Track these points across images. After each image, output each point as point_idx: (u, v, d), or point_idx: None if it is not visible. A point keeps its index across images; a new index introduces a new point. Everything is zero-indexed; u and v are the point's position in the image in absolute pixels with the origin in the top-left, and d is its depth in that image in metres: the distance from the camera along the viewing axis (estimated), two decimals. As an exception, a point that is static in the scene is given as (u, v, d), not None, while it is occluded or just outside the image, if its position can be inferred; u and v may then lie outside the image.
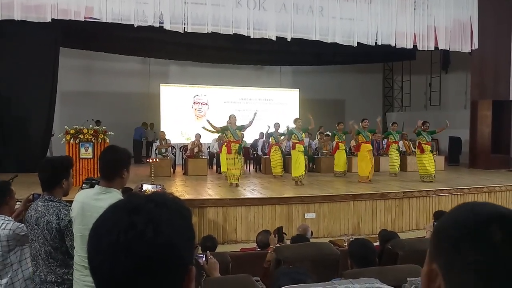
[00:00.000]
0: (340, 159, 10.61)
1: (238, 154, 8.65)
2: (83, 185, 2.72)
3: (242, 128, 8.92)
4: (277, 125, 11.10)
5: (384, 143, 12.21)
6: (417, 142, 9.87)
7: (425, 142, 9.56)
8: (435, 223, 0.75)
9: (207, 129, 9.50)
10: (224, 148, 9.44)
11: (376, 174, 10.29)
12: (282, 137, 10.68)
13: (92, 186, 2.58)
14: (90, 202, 2.35)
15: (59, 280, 2.54)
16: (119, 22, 9.00)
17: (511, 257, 0.63)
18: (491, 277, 0.62)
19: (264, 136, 12.38)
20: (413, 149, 11.12)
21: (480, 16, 11.75)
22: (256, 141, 12.81)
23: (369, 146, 9.73)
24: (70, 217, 2.50)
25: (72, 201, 2.52)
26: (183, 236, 0.75)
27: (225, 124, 9.04)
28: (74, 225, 2.47)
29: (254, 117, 8.91)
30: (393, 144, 10.92)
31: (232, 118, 8.87)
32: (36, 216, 2.56)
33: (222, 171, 10.45)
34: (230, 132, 8.74)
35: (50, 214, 2.53)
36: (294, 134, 9.23)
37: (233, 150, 8.61)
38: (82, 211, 2.38)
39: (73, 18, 8.75)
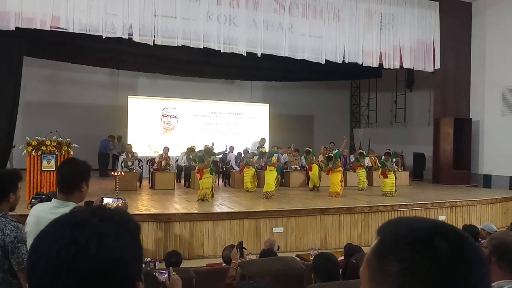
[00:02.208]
0: (314, 176, 10.80)
1: (210, 174, 8.71)
2: (32, 200, 2.61)
3: (214, 158, 9.11)
4: (246, 152, 11.28)
5: (351, 159, 12.46)
6: (380, 169, 10.24)
7: (387, 170, 9.92)
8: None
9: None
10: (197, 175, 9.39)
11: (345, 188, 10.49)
12: (256, 157, 10.70)
13: (41, 201, 2.48)
14: (46, 216, 2.25)
15: None
16: (87, 33, 8.85)
17: (461, 270, 0.64)
18: None
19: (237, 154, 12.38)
20: (378, 164, 11.42)
21: (442, 37, 12.28)
22: (226, 155, 12.76)
23: (340, 169, 10.04)
24: (16, 233, 2.39)
25: (19, 216, 2.39)
26: (130, 252, 0.72)
27: (200, 155, 9.05)
28: (28, 240, 2.36)
29: (223, 152, 9.21)
30: (359, 167, 11.27)
31: (207, 156, 8.84)
32: None
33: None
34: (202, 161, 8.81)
35: None
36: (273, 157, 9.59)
37: (205, 174, 8.60)
38: (38, 225, 2.28)
39: (38, 27, 8.53)
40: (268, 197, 8.97)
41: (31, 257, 0.71)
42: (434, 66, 12.26)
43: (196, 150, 10.14)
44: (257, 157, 10.46)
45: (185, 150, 11.75)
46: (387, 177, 9.84)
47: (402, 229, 0.69)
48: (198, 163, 8.72)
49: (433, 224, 0.70)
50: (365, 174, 11.29)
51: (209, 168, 8.65)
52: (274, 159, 9.81)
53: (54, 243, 0.69)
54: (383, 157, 10.21)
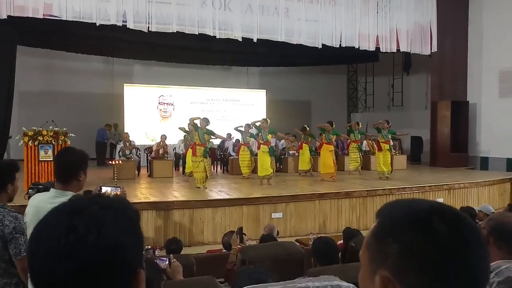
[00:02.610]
0: (304, 157, 10.76)
1: (204, 157, 8.59)
2: (29, 190, 2.60)
3: (211, 134, 8.87)
4: (247, 126, 11.05)
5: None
6: (374, 140, 10.21)
7: (383, 140, 9.89)
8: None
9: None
10: (189, 150, 9.33)
11: (340, 173, 10.51)
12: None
13: (38, 191, 2.47)
14: (45, 206, 2.25)
15: None
16: (80, 20, 8.73)
17: (460, 249, 0.64)
18: (447, 270, 0.63)
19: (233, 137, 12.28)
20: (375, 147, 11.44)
21: (439, 20, 12.19)
22: (223, 142, 12.75)
23: (331, 147, 9.94)
24: (15, 224, 2.39)
25: (18, 206, 2.39)
26: (129, 239, 0.72)
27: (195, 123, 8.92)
28: (28, 230, 2.36)
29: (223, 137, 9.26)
30: (353, 143, 11.18)
31: (203, 122, 8.76)
32: None
33: (186, 172, 10.42)
34: (197, 134, 8.64)
35: None
36: (260, 134, 9.31)
37: (198, 153, 8.52)
38: (37, 215, 2.28)
39: (30, 16, 8.40)
40: (268, 180, 8.93)
41: (31, 245, 0.71)
42: (431, 49, 12.19)
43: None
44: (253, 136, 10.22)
45: (182, 138, 11.74)
46: (381, 150, 9.81)
47: (401, 211, 0.70)
48: (194, 132, 8.67)
49: (431, 205, 0.70)
50: (358, 154, 11.12)
51: (202, 150, 8.51)
52: (270, 137, 9.66)
53: (53, 231, 0.68)
54: (381, 123, 10.13)
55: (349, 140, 11.54)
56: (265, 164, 9.17)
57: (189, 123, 8.92)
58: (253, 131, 10.21)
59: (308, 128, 11.23)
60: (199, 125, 8.69)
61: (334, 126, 10.23)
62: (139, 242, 0.75)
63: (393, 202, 0.74)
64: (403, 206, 0.71)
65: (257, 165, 9.49)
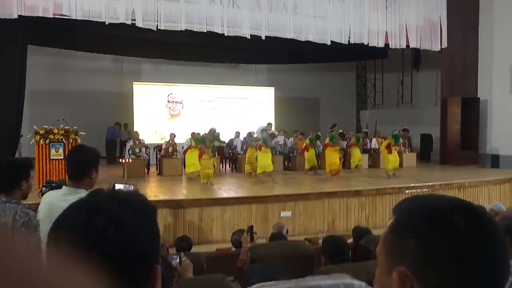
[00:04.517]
0: (309, 155, 10.78)
1: (213, 156, 8.70)
2: (43, 188, 2.63)
3: (218, 141, 9.08)
4: (249, 134, 11.12)
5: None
6: (386, 143, 10.19)
7: (394, 144, 9.90)
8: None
9: None
10: (196, 151, 9.35)
11: (348, 172, 10.50)
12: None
13: (52, 189, 2.50)
14: (57, 203, 2.28)
15: None
16: (90, 19, 8.79)
17: (479, 244, 0.63)
18: (466, 266, 0.63)
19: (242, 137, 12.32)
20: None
21: (449, 15, 12.06)
22: (232, 140, 12.76)
23: (337, 147, 9.98)
24: (24, 219, 2.42)
25: (31, 204, 2.42)
26: (147, 234, 0.72)
27: (203, 136, 9.09)
28: (41, 227, 2.39)
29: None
30: (354, 145, 11.31)
31: (210, 136, 8.87)
32: None
33: (187, 172, 10.22)
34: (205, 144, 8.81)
35: (7, 215, 2.44)
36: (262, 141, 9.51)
37: (206, 153, 8.61)
38: (50, 212, 2.30)
39: (41, 15, 8.48)
40: (271, 177, 8.95)
41: (50, 241, 0.71)
42: (441, 45, 12.07)
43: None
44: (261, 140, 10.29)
45: (190, 137, 11.77)
46: (391, 153, 9.80)
47: (419, 206, 0.69)
48: (199, 143, 8.76)
49: (450, 200, 0.70)
50: (359, 153, 11.27)
51: (210, 150, 8.64)
52: (278, 133, 9.79)
53: (72, 228, 0.69)
54: (400, 131, 10.17)
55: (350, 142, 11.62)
56: (264, 161, 9.17)
57: (191, 138, 9.09)
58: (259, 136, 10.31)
59: (321, 136, 11.22)
60: (205, 138, 8.82)
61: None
62: (156, 237, 0.75)
63: (411, 198, 0.73)
64: (421, 201, 0.71)
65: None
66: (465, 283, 0.63)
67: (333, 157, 9.77)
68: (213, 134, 8.90)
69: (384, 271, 0.70)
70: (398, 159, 9.89)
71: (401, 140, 10.13)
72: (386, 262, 0.70)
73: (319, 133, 11.48)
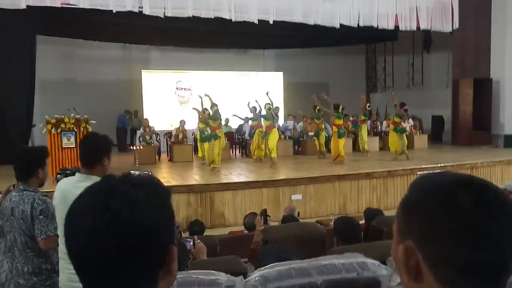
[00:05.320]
0: (320, 139, 10.76)
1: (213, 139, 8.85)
2: (58, 175, 2.68)
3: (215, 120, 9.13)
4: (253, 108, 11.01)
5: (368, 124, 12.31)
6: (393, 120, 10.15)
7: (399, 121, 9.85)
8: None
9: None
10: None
11: (358, 154, 10.46)
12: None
13: (66, 176, 2.55)
14: (71, 190, 2.32)
15: (36, 270, 2.51)
16: (97, 8, 8.78)
17: (482, 219, 0.63)
18: (467, 242, 0.62)
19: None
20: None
21: (460, -5, 11.80)
22: (241, 126, 12.77)
23: (335, 129, 9.91)
24: (42, 207, 2.47)
25: (46, 192, 2.47)
26: (161, 216, 0.73)
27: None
28: (56, 213, 2.44)
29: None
30: (361, 124, 11.16)
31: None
32: (11, 207, 2.52)
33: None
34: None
35: (25, 203, 2.49)
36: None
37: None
38: (64, 199, 2.35)
39: (48, 5, 8.48)
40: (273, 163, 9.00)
41: (67, 225, 0.73)
42: (452, 26, 11.82)
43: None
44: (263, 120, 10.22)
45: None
46: (401, 132, 9.75)
47: (428, 183, 0.70)
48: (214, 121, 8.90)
49: (460, 177, 0.69)
50: (366, 134, 11.16)
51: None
52: (268, 122, 9.74)
53: (88, 211, 0.70)
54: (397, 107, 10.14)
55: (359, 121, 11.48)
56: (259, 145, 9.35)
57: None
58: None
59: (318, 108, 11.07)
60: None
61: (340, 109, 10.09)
62: (170, 219, 0.76)
63: (425, 175, 0.74)
64: (432, 178, 0.71)
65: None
66: (469, 261, 0.62)
67: (334, 142, 9.72)
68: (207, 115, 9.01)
69: (396, 246, 0.71)
70: (401, 142, 9.74)
71: (404, 116, 10.01)
72: (397, 237, 0.71)
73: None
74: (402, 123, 10.07)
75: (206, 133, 9.35)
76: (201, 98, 10.06)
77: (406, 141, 9.93)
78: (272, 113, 9.72)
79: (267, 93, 9.99)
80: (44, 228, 2.47)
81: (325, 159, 10.34)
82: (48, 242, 2.46)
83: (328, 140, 10.88)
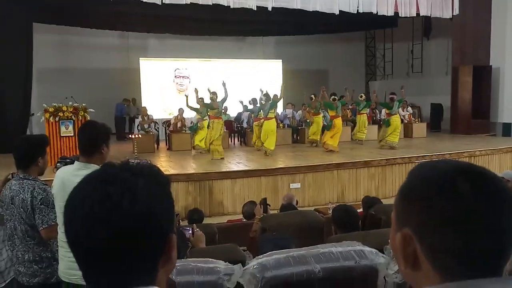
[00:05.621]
0: (314, 128, 10.74)
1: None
2: (57, 164, 2.68)
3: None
4: (254, 100, 10.98)
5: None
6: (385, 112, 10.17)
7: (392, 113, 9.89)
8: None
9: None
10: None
11: (355, 143, 10.46)
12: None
13: (66, 165, 2.55)
14: (70, 178, 2.33)
15: (37, 259, 2.52)
16: (94, -5, 8.70)
17: (480, 207, 0.63)
18: (466, 230, 0.62)
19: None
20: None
21: (461, -19, 11.69)
22: (240, 114, 12.75)
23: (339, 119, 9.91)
24: (42, 196, 2.48)
25: (45, 180, 2.47)
26: (161, 204, 0.73)
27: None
28: (55, 201, 2.45)
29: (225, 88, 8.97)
30: (361, 114, 11.20)
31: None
32: (11, 195, 2.52)
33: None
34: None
35: (25, 192, 2.50)
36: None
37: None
38: (63, 187, 2.36)
39: (45, -9, 8.41)
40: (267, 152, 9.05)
41: (67, 213, 0.72)
42: (452, 12, 11.73)
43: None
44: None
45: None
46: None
47: (427, 170, 0.69)
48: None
49: (457, 164, 0.69)
50: (365, 124, 11.17)
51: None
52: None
53: (87, 199, 0.70)
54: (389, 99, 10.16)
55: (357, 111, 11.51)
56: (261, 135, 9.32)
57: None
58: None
59: (313, 98, 11.06)
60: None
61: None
62: (170, 207, 0.76)
63: (424, 162, 0.74)
64: (430, 165, 0.71)
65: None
66: (467, 249, 0.62)
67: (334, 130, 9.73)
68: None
69: (394, 234, 0.71)
70: (394, 132, 9.71)
71: (395, 108, 9.99)
72: (395, 225, 0.71)
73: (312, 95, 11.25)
74: (391, 113, 10.00)
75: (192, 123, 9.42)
76: (197, 91, 10.03)
77: (388, 132, 9.80)
78: (262, 104, 9.70)
79: (265, 93, 9.88)
80: (45, 218, 2.48)
81: (318, 147, 10.38)
82: (50, 231, 2.47)
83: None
